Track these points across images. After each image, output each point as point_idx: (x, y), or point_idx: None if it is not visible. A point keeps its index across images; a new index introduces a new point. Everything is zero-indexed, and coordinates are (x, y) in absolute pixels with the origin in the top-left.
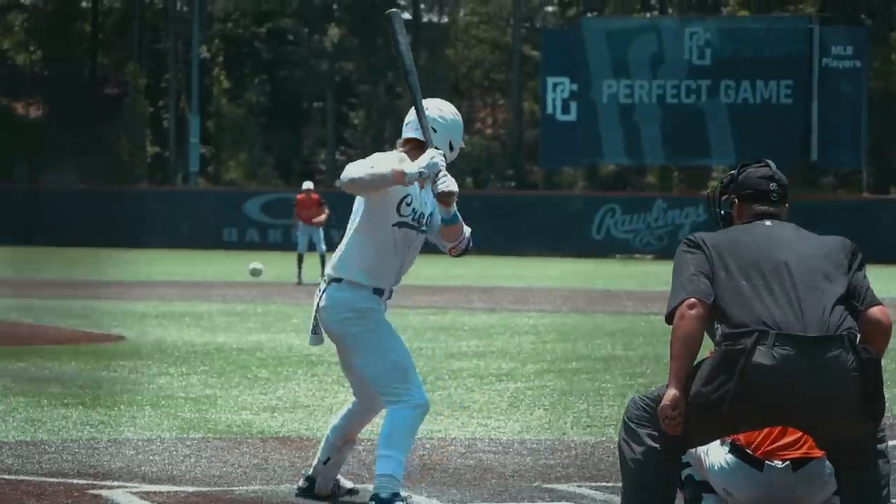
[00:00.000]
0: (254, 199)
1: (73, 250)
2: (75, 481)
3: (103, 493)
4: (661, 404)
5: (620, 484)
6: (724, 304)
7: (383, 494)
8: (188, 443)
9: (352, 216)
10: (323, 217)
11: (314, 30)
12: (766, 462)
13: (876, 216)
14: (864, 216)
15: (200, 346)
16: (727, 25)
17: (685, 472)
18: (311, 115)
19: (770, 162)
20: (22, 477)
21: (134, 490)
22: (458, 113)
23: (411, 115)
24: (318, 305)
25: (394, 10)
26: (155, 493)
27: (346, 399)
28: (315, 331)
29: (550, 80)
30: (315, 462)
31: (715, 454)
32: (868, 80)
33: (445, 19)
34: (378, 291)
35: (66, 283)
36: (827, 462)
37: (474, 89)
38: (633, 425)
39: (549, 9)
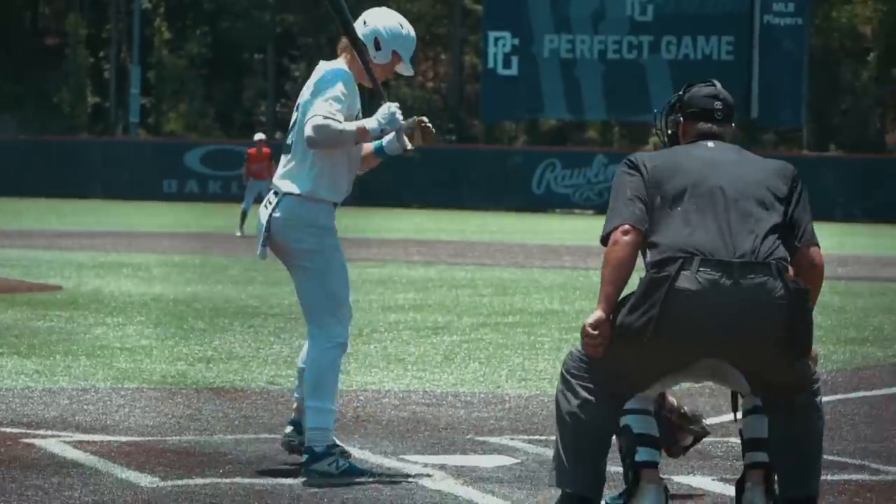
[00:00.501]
0: (194, 150)
1: (12, 200)
2: (8, 430)
3: (37, 441)
4: (583, 322)
5: (553, 437)
6: (655, 229)
7: (318, 448)
8: (122, 393)
9: (296, 131)
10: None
11: None
12: None
13: (816, 173)
14: (805, 173)
15: (137, 297)
16: None
17: (623, 420)
18: (252, 66)
19: (716, 81)
20: None
21: (68, 439)
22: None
23: (384, 35)
24: (270, 216)
25: None
26: (88, 442)
27: (281, 350)
28: (264, 243)
29: (492, 35)
30: (295, 402)
31: None
32: (809, 38)
33: None
34: (335, 206)
35: (3, 233)
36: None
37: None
38: (569, 377)
39: None
